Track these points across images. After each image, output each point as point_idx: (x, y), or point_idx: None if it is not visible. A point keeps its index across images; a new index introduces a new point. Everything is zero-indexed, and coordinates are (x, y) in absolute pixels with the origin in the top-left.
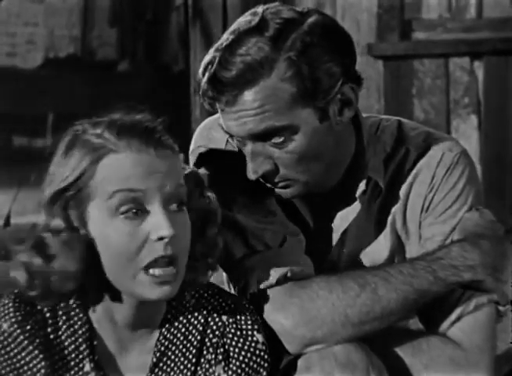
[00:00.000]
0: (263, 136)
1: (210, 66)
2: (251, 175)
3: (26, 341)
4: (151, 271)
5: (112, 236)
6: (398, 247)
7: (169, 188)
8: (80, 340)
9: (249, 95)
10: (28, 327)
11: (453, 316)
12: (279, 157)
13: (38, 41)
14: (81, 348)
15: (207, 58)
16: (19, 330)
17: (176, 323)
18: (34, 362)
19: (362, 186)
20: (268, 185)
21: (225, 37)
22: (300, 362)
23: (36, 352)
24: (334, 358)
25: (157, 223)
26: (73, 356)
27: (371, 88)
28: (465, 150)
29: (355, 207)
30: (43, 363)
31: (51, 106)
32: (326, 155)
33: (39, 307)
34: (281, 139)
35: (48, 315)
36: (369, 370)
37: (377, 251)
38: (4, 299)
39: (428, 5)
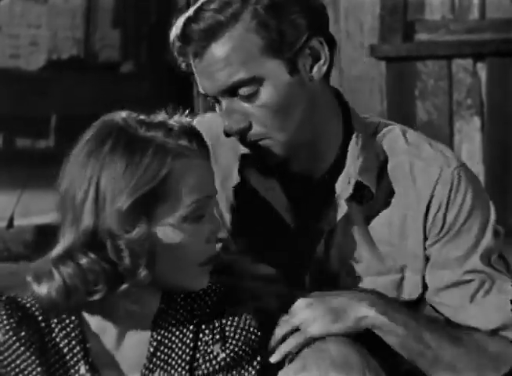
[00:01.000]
0: (233, 90)
1: (179, 25)
2: (227, 131)
3: (21, 348)
4: (203, 266)
5: (178, 237)
6: (390, 258)
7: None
8: (73, 342)
9: (216, 48)
10: (22, 334)
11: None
12: (253, 113)
13: (41, 42)
14: (75, 351)
15: (178, 20)
16: (14, 338)
17: (171, 311)
18: (30, 368)
19: (349, 189)
20: (245, 148)
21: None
22: (296, 362)
23: (32, 358)
24: (331, 359)
25: (216, 226)
26: (67, 358)
27: (374, 89)
28: (463, 163)
29: (342, 210)
30: (39, 369)
31: (54, 108)
32: (299, 112)
33: (30, 311)
34: (251, 92)
35: (40, 318)
36: (365, 372)
37: (369, 258)
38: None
39: (431, 7)
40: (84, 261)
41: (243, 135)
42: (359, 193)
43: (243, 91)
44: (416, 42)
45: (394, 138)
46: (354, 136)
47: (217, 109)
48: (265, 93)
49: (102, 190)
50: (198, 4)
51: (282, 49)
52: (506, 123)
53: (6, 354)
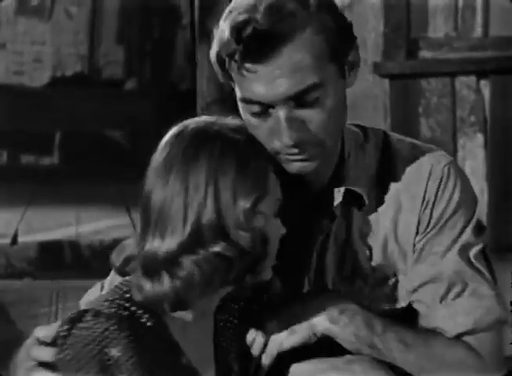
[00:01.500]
0: (296, 98)
1: (244, 26)
2: (287, 141)
3: (134, 366)
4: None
5: (274, 229)
6: (385, 262)
7: None
8: (169, 340)
9: (286, 51)
10: (133, 352)
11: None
12: (313, 118)
13: (45, 59)
14: (173, 347)
15: (236, 20)
16: (125, 357)
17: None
18: None
19: (338, 196)
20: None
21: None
22: None
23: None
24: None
25: (279, 223)
26: (168, 357)
27: (377, 106)
28: (453, 160)
29: (332, 216)
30: None
31: (58, 124)
32: (344, 115)
33: (135, 316)
34: (316, 97)
35: (142, 321)
36: None
37: (364, 263)
38: (101, 318)
39: (434, 24)
40: (216, 249)
41: (300, 145)
42: (356, 200)
43: (310, 96)
44: (419, 60)
45: (380, 141)
46: (346, 145)
47: (254, 122)
48: (329, 98)
49: (221, 191)
50: (258, 4)
51: (339, 54)
52: (509, 140)
53: (118, 371)
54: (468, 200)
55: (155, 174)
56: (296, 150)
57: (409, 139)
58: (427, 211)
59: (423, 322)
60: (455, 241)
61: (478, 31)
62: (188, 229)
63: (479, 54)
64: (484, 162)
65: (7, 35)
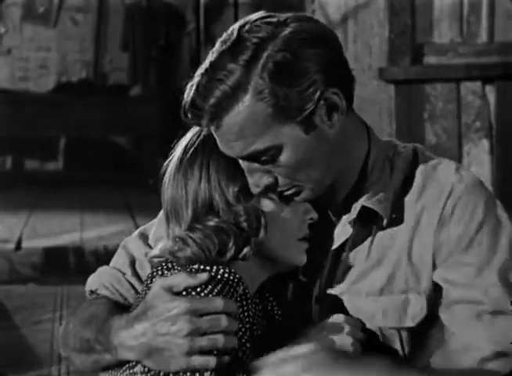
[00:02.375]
0: (251, 158)
1: (191, 91)
2: (254, 190)
3: (250, 300)
4: (302, 242)
5: (280, 210)
6: (394, 279)
7: None
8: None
9: (228, 120)
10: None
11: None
12: (275, 170)
13: (51, 65)
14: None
15: (190, 83)
16: (248, 294)
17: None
18: (254, 311)
19: (353, 213)
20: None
21: (206, 59)
22: None
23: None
24: None
25: (308, 207)
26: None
27: (382, 112)
28: (477, 180)
29: (347, 231)
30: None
31: (63, 130)
32: (323, 161)
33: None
34: (269, 158)
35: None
36: None
37: (376, 279)
38: (221, 268)
39: (440, 30)
40: (211, 223)
41: (271, 189)
42: (375, 217)
43: (264, 156)
44: (424, 65)
45: (410, 156)
46: (370, 160)
47: (240, 162)
48: (284, 156)
49: (212, 174)
50: (204, 67)
51: (293, 115)
52: None
53: (245, 303)
54: (493, 219)
55: (167, 174)
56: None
57: (436, 157)
58: (445, 231)
59: (452, 341)
60: (488, 262)
61: (483, 37)
62: (190, 212)
63: (484, 59)
64: (490, 168)
65: (13, 41)
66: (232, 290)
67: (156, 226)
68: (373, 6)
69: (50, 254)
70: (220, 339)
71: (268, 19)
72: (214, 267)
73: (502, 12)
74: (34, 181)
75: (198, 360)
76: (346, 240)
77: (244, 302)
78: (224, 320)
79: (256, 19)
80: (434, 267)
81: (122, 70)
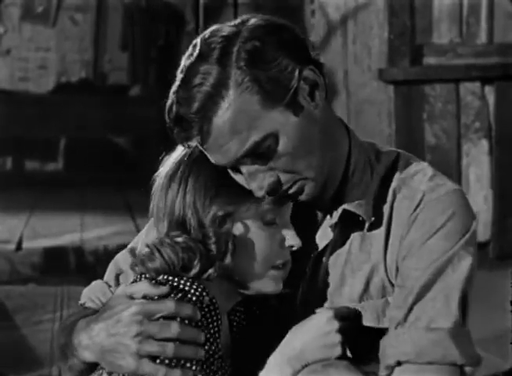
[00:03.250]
0: (251, 154)
1: (171, 111)
2: (258, 193)
3: (218, 312)
4: (277, 270)
5: (255, 235)
6: (373, 285)
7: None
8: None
9: (218, 121)
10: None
11: None
12: (276, 165)
13: (50, 65)
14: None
15: (168, 103)
16: (216, 304)
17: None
18: (219, 329)
19: (336, 216)
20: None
21: (178, 76)
22: None
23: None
24: None
25: (289, 234)
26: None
27: (382, 112)
28: (453, 191)
29: (328, 235)
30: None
31: (63, 130)
32: (318, 145)
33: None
34: (267, 148)
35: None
36: None
37: (355, 286)
38: (189, 280)
39: (439, 31)
40: (179, 239)
41: (276, 190)
42: (357, 221)
43: (260, 150)
44: (424, 66)
45: (390, 162)
46: (352, 163)
47: (236, 178)
48: (282, 145)
49: (189, 192)
50: (178, 83)
51: (279, 96)
52: None
53: (209, 315)
54: (450, 228)
55: (156, 183)
56: (272, 195)
57: (419, 163)
58: (406, 237)
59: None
60: (436, 269)
61: (483, 38)
62: (166, 224)
63: (484, 60)
64: (489, 168)
65: (12, 42)
66: (194, 299)
67: (145, 232)
68: (372, 7)
69: (50, 255)
70: (170, 347)
71: (227, 24)
72: (176, 278)
73: (502, 13)
74: (34, 181)
75: (148, 366)
76: (327, 245)
77: (213, 313)
78: (175, 326)
79: (214, 29)
80: (397, 273)
81: (122, 70)
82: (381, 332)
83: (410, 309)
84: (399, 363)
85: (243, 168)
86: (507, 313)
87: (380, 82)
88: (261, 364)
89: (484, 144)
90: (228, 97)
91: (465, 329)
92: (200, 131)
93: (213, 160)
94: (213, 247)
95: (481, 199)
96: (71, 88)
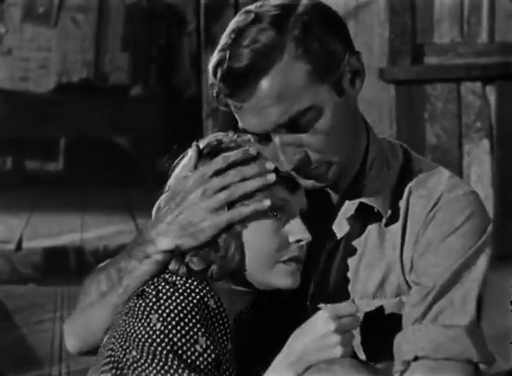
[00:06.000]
0: (289, 124)
1: (220, 65)
2: (286, 167)
3: (224, 314)
4: (288, 265)
5: (262, 232)
6: (387, 282)
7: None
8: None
9: (266, 83)
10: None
11: None
12: (308, 142)
13: (51, 65)
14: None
15: (215, 59)
16: (221, 308)
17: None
18: (226, 332)
19: (351, 208)
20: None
21: (227, 37)
22: None
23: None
24: None
25: (298, 228)
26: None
27: (383, 112)
28: (469, 191)
29: (343, 229)
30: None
31: (63, 130)
32: (349, 131)
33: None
34: (308, 121)
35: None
36: None
37: (369, 281)
38: (193, 281)
39: (440, 30)
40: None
41: (302, 167)
42: (374, 214)
43: (303, 120)
44: (425, 65)
45: (402, 155)
46: (370, 156)
47: (262, 150)
48: (324, 120)
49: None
50: (229, 42)
51: (329, 73)
52: None
53: (214, 319)
54: (469, 228)
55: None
56: (296, 173)
57: (432, 163)
58: (423, 235)
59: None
60: (457, 268)
61: (484, 37)
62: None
63: (485, 60)
64: (490, 168)
65: (13, 42)
66: (198, 298)
67: None
68: (373, 6)
69: (50, 255)
70: (235, 186)
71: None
72: (182, 281)
73: (503, 13)
74: (34, 181)
75: (226, 214)
76: (341, 238)
77: (219, 316)
78: (232, 172)
79: (265, 2)
80: (412, 269)
81: (122, 70)
82: (385, 330)
83: (430, 307)
84: (415, 359)
85: (276, 138)
86: (508, 313)
87: (381, 82)
88: (267, 365)
89: (486, 144)
90: (280, 62)
91: (480, 328)
92: (246, 90)
93: (245, 125)
94: (222, 250)
95: (482, 198)
96: (72, 88)
